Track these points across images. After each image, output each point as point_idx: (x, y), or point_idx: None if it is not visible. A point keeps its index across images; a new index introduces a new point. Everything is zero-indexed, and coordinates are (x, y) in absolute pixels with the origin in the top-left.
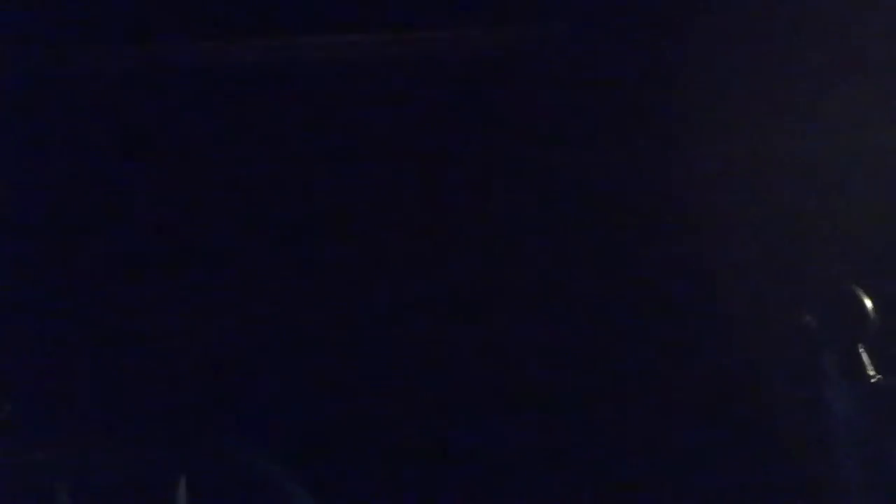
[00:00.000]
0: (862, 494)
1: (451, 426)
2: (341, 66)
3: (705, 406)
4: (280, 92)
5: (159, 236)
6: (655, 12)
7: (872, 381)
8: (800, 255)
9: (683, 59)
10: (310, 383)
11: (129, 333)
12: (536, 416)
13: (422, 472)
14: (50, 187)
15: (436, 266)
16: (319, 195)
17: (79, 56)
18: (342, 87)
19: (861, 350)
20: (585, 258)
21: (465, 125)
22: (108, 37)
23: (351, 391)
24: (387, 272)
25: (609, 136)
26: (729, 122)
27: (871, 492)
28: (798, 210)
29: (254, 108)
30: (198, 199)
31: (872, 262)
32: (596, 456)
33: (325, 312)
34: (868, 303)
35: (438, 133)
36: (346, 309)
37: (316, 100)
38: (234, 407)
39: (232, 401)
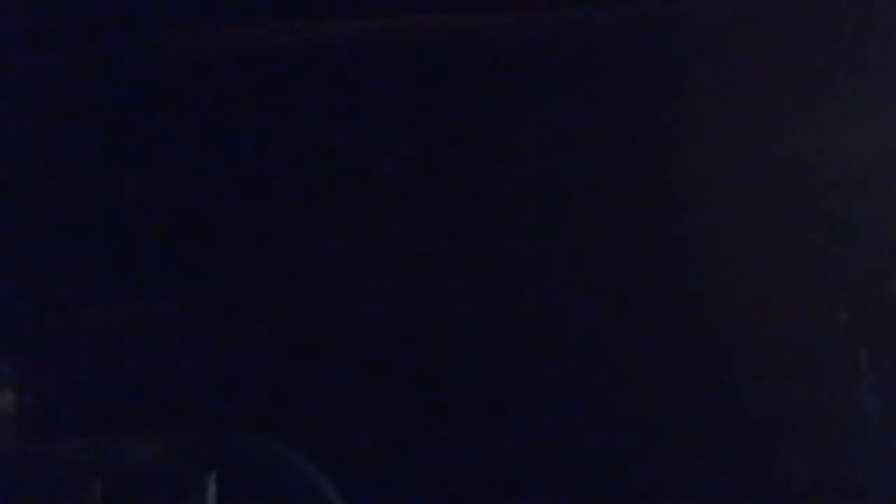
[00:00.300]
0: (893, 493)
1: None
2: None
3: (736, 402)
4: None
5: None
6: None
7: None
8: (838, 253)
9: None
10: (340, 379)
11: (157, 320)
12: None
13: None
14: None
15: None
16: None
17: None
18: None
19: None
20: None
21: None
22: None
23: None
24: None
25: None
26: (781, 119)
27: None
28: (838, 207)
29: None
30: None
31: None
32: (619, 454)
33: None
34: None
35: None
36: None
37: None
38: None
39: (261, 395)
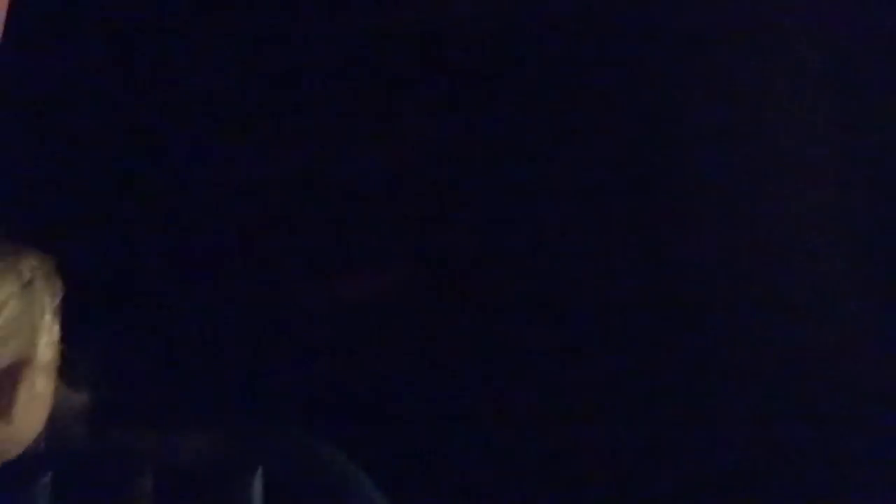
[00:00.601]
0: None
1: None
2: None
3: (788, 402)
4: None
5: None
6: None
7: None
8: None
9: None
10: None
11: (214, 317)
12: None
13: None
14: None
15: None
16: None
17: None
18: None
19: None
20: None
21: None
22: None
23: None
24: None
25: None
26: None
27: None
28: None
29: None
30: None
31: None
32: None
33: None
34: None
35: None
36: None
37: None
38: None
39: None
